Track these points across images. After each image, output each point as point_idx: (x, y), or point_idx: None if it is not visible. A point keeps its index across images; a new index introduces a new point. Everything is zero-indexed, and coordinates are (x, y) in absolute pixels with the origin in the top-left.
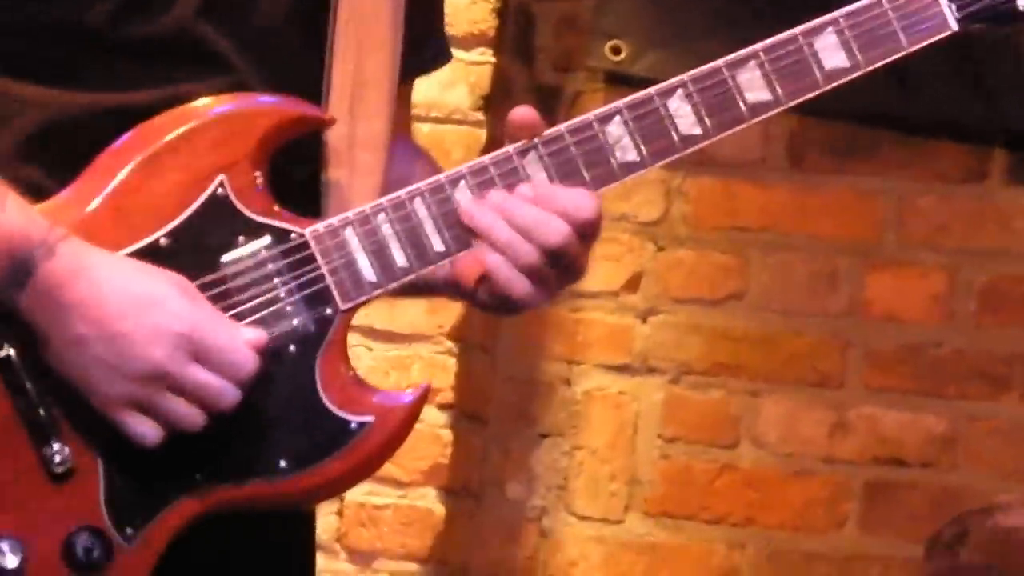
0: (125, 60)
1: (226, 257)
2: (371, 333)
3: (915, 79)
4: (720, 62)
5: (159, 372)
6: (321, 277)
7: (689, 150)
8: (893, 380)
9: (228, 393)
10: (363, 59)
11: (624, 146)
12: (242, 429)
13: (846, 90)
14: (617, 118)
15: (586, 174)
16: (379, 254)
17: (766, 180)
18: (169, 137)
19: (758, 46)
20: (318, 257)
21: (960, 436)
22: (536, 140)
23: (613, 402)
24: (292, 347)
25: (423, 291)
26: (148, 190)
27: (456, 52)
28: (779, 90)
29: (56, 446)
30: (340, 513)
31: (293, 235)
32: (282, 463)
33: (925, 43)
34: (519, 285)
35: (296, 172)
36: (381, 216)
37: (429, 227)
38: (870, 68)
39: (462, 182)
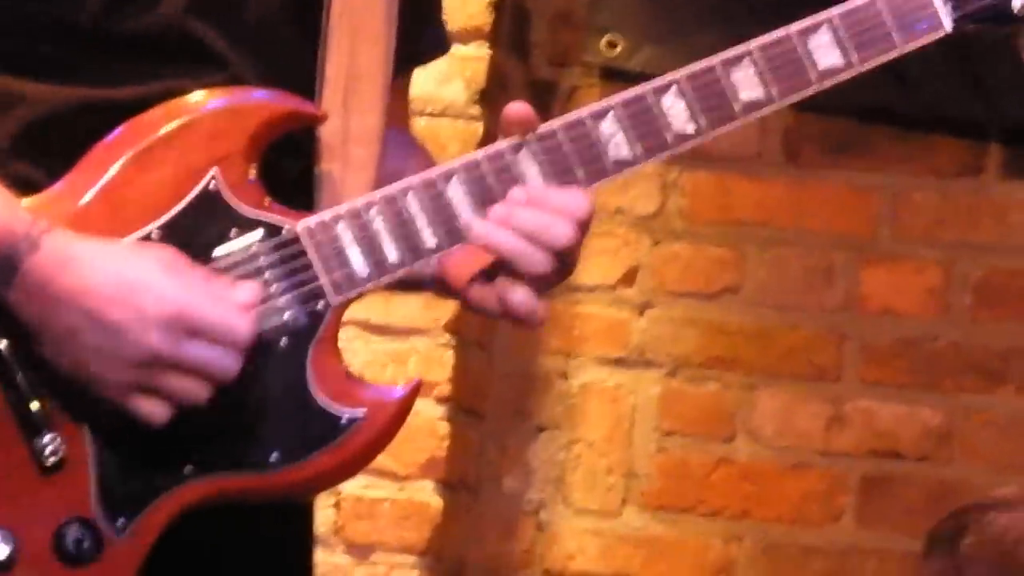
0: (117, 55)
1: (218, 251)
2: (368, 327)
3: (911, 74)
4: (714, 60)
5: (156, 356)
6: (313, 271)
7: (682, 147)
8: (889, 374)
9: (227, 362)
10: (356, 52)
11: (617, 143)
12: (234, 422)
13: (843, 86)
14: (610, 115)
15: (579, 171)
16: (371, 248)
17: (762, 175)
18: (162, 131)
19: (752, 44)
20: (310, 251)
21: (956, 429)
22: (529, 136)
23: (610, 396)
24: (284, 341)
25: (410, 287)
26: (141, 184)
27: (452, 47)
28: (772, 89)
29: (47, 438)
30: (337, 506)
31: (285, 229)
32: (273, 456)
33: (919, 43)
34: (531, 304)
35: (289, 166)
36: (373, 210)
37: (421, 222)
38: (864, 68)
39: (455, 177)
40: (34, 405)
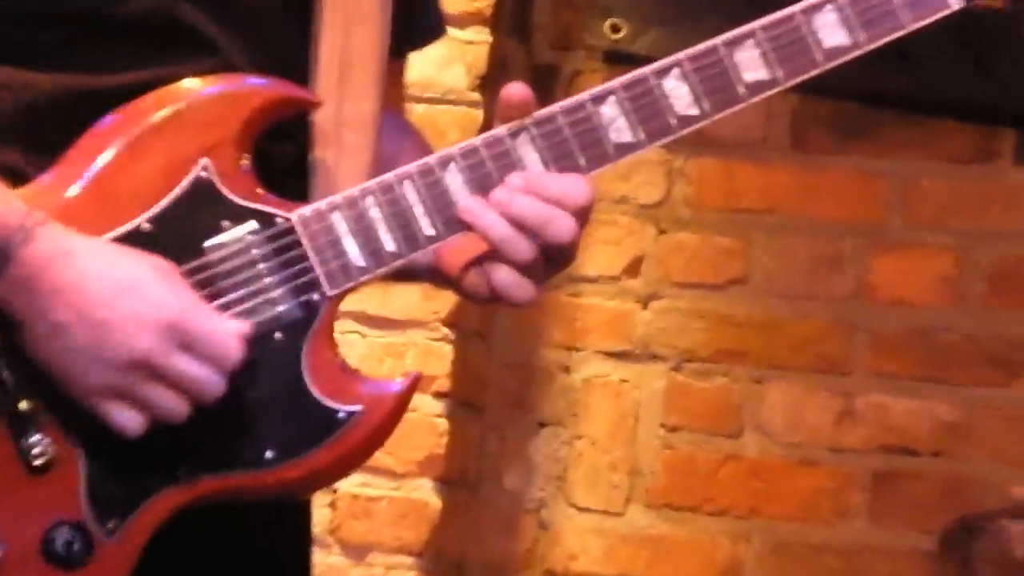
0: (105, 42)
1: (210, 242)
2: (364, 319)
3: (921, 57)
4: (717, 40)
5: (143, 361)
6: (308, 262)
7: (686, 131)
8: (901, 366)
9: (213, 383)
10: (350, 36)
11: (619, 127)
12: (227, 419)
13: (850, 68)
14: (612, 98)
15: (580, 156)
16: (367, 238)
17: (769, 161)
18: (152, 120)
19: (756, 24)
20: (304, 242)
21: (971, 423)
22: (528, 121)
23: (613, 390)
24: (278, 334)
25: (405, 277)
26: (131, 174)
27: (451, 31)
28: (777, 69)
29: (35, 438)
30: (333, 505)
31: (279, 219)
32: (268, 454)
33: (928, 20)
34: (523, 290)
35: (281, 153)
36: (369, 199)
37: (419, 211)
38: (871, 46)
39: (452, 164)
40: (22, 404)
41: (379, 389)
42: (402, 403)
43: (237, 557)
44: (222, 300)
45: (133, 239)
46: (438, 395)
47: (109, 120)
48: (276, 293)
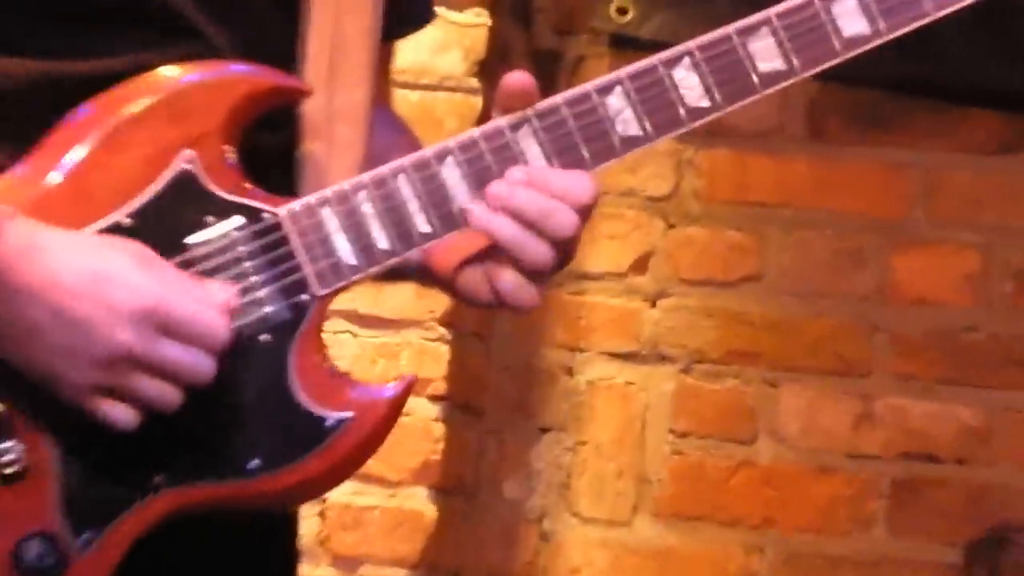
0: (82, 25)
1: (193, 239)
2: (356, 318)
3: (946, 41)
4: (730, 28)
5: (126, 354)
6: (296, 261)
7: (696, 123)
8: (923, 368)
9: (203, 365)
10: (341, 22)
11: (626, 119)
12: (209, 426)
13: (870, 53)
14: (618, 89)
15: (584, 149)
16: (359, 236)
17: (784, 151)
18: (132, 109)
19: (771, 11)
20: (293, 239)
21: (996, 429)
22: (530, 113)
23: (619, 393)
24: (264, 336)
25: (393, 276)
26: (109, 166)
27: (449, 14)
28: (794, 59)
29: (7, 444)
30: (322, 515)
31: (266, 215)
32: (253, 463)
33: (952, 8)
34: (529, 294)
35: (266, 144)
36: (362, 194)
37: (414, 206)
38: (893, 35)
39: (450, 157)
40: None
41: (371, 394)
42: (395, 409)
43: (219, 571)
44: None
45: (111, 235)
46: (434, 398)
47: (84, 109)
48: (262, 293)
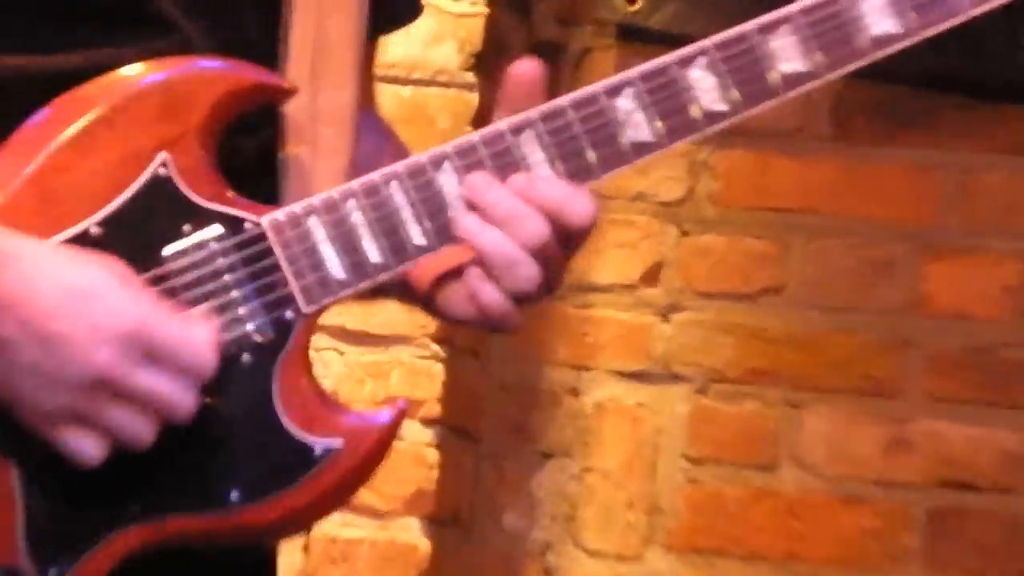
0: (50, 18)
1: (169, 249)
2: (342, 334)
3: (979, 35)
4: (750, 25)
5: (101, 378)
6: (281, 275)
7: (712, 128)
8: (960, 388)
9: (184, 399)
10: (325, 17)
11: (636, 123)
12: (187, 453)
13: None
14: (628, 90)
15: (591, 155)
16: (349, 248)
17: (807, 152)
18: (101, 108)
19: (794, 7)
20: (277, 251)
21: None
22: (534, 115)
23: (629, 416)
24: (246, 356)
25: (374, 292)
26: (77, 170)
27: (442, 3)
28: (818, 59)
29: None
30: (306, 549)
31: (248, 224)
32: (233, 494)
33: (989, 6)
34: (516, 315)
35: (246, 150)
36: (351, 203)
37: (407, 216)
38: (923, 35)
39: (446, 163)
40: None
41: (361, 420)
42: (388, 437)
43: None
44: None
45: (80, 244)
46: (427, 421)
47: (51, 108)
48: (244, 309)
